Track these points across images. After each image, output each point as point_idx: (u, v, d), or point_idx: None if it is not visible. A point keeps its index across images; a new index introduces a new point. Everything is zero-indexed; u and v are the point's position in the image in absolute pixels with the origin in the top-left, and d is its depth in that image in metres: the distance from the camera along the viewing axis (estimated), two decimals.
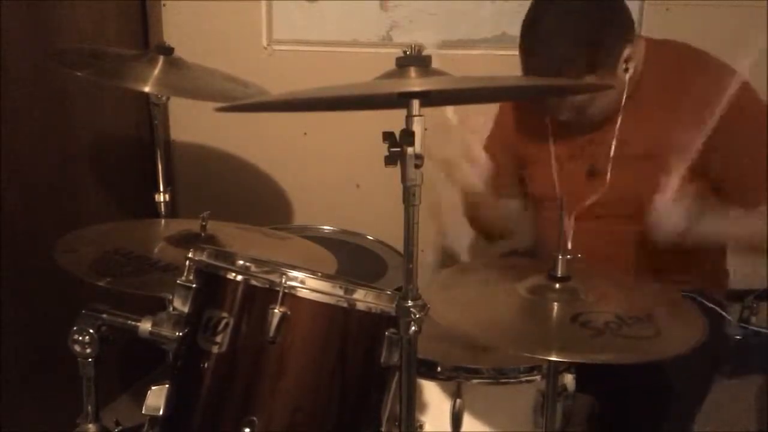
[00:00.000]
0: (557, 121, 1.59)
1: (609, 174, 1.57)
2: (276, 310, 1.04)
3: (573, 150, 1.62)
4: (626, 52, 1.45)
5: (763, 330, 2.01)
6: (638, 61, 1.52)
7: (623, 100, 1.51)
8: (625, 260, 1.57)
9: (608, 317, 1.14)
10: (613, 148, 1.56)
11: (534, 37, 1.45)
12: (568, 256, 1.22)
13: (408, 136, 0.93)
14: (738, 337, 1.69)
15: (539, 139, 1.67)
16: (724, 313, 1.61)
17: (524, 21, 1.47)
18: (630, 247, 1.58)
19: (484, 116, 1.68)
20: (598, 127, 1.57)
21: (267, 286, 1.07)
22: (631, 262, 1.57)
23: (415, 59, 1.00)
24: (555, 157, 1.64)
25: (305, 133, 2.41)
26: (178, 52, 1.68)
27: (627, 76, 1.48)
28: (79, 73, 1.58)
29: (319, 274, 1.14)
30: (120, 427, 1.32)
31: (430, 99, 0.94)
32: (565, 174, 1.63)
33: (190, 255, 1.15)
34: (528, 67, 1.46)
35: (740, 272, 1.76)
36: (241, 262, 1.10)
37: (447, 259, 2.39)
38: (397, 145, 0.93)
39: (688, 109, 1.49)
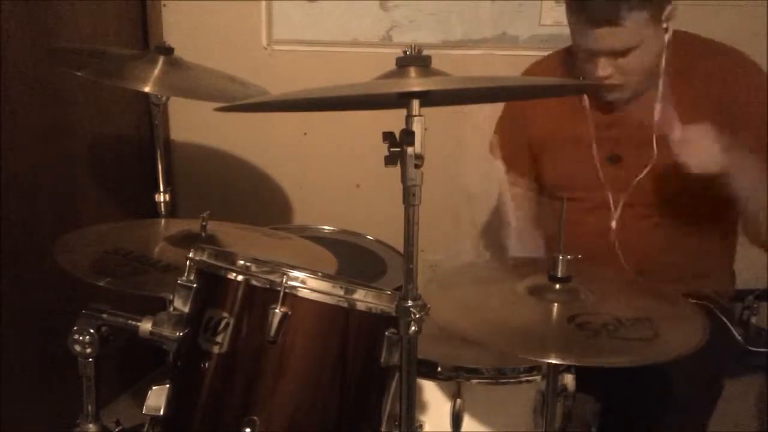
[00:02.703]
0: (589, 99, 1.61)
1: (630, 160, 1.58)
2: (277, 310, 1.04)
3: (600, 133, 1.62)
4: (669, 8, 1.46)
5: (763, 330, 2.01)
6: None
7: (662, 64, 1.52)
8: (645, 252, 1.58)
9: (606, 319, 1.14)
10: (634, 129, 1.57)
11: None
12: (569, 256, 1.22)
13: (408, 136, 0.93)
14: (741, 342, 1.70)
15: (560, 125, 1.68)
16: (731, 327, 1.62)
17: None
18: (649, 237, 1.58)
19: None
20: (630, 100, 1.57)
21: (267, 286, 1.07)
22: (650, 254, 1.58)
23: (415, 59, 1.00)
24: (576, 143, 1.65)
25: (305, 133, 2.41)
26: (178, 52, 1.68)
27: (666, 38, 1.49)
28: (79, 73, 1.58)
29: (320, 274, 1.13)
30: (120, 427, 1.31)
31: (430, 99, 0.94)
32: (584, 161, 1.64)
33: (190, 255, 1.15)
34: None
35: (740, 272, 1.76)
36: (241, 262, 1.10)
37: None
38: (397, 145, 0.93)
39: (704, 93, 1.52)
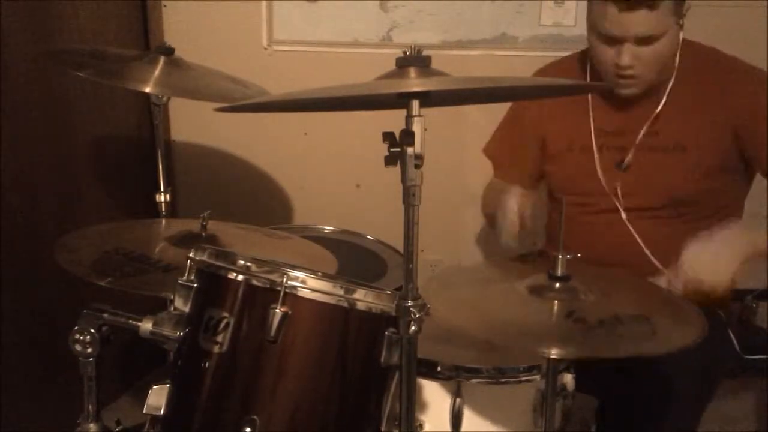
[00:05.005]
0: (602, 97, 1.62)
1: (639, 165, 1.59)
2: (277, 310, 1.05)
3: (604, 140, 1.63)
4: (687, 3, 1.48)
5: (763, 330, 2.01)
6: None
7: (676, 65, 1.54)
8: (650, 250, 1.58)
9: (604, 316, 1.14)
10: (642, 136, 1.58)
11: None
12: (568, 256, 1.22)
13: (408, 136, 0.93)
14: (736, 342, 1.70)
15: (571, 129, 1.68)
16: (731, 335, 1.62)
17: None
18: (655, 237, 1.59)
19: None
20: (639, 98, 1.58)
21: (268, 285, 1.07)
22: (657, 253, 1.58)
23: (415, 59, 1.00)
24: (586, 148, 1.65)
25: (305, 133, 2.41)
26: (179, 53, 1.68)
27: (680, 36, 1.52)
28: (79, 74, 1.58)
29: (320, 273, 1.14)
30: (121, 427, 1.32)
31: (430, 99, 0.95)
32: (589, 166, 1.64)
33: (191, 255, 1.15)
34: None
35: None
36: (241, 261, 1.10)
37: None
38: (397, 145, 0.94)
39: (718, 107, 1.54)
